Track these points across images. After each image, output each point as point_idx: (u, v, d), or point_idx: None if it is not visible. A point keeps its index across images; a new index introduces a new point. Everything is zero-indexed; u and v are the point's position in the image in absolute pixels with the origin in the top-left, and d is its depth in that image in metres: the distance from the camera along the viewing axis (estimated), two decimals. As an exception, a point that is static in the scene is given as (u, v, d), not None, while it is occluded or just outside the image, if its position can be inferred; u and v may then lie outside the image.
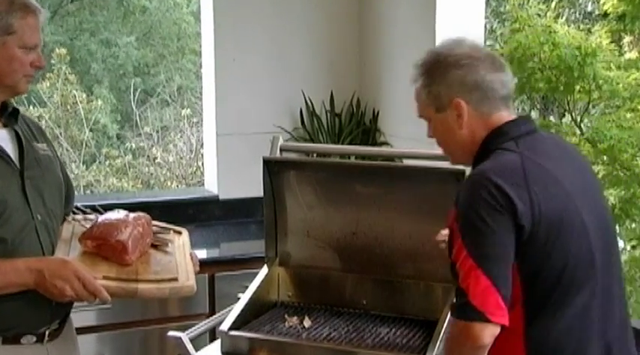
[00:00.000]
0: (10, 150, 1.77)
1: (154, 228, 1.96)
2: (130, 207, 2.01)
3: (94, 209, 2.02)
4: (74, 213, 1.98)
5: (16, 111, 1.82)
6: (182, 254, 1.91)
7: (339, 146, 3.35)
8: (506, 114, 1.57)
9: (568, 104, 4.60)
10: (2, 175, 1.72)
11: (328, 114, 3.56)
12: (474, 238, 1.42)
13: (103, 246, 1.76)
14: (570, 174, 1.53)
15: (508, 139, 1.52)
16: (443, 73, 1.55)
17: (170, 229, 2.04)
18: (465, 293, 1.40)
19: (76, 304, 1.89)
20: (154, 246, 1.90)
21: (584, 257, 1.48)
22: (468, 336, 1.41)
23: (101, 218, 1.84)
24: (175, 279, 1.77)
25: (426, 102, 1.59)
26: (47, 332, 1.78)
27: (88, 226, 1.84)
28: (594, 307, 1.50)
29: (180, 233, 2.05)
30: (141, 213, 1.90)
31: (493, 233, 1.41)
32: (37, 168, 1.80)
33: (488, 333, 1.40)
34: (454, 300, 1.45)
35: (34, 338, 1.76)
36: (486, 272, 1.39)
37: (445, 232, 1.46)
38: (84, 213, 1.99)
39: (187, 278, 1.79)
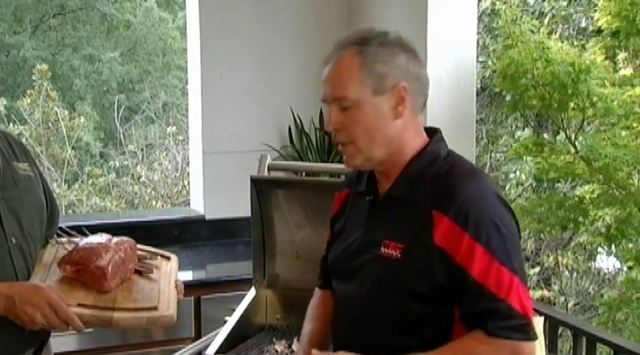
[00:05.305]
0: None
1: (141, 252, 1.89)
2: (114, 228, 1.96)
3: (80, 231, 1.94)
4: (59, 235, 1.91)
5: None
6: (167, 281, 1.84)
7: (329, 165, 3.30)
8: (421, 119, 1.47)
9: (562, 121, 4.56)
10: None
11: (317, 132, 3.53)
12: (508, 249, 1.33)
13: (82, 272, 1.71)
14: None
15: (446, 147, 1.45)
16: (390, 53, 1.39)
17: (158, 254, 1.97)
18: (521, 313, 1.32)
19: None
20: (138, 272, 1.83)
21: None
22: None
23: (82, 242, 1.78)
24: (155, 308, 1.71)
25: (361, 81, 1.38)
26: None
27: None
28: None
29: (168, 258, 1.98)
30: (124, 238, 1.84)
31: (518, 240, 1.38)
32: (14, 188, 1.74)
33: None
34: (500, 322, 1.31)
35: None
36: (524, 284, 1.33)
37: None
38: (69, 235, 1.92)
39: (168, 307, 1.73)
